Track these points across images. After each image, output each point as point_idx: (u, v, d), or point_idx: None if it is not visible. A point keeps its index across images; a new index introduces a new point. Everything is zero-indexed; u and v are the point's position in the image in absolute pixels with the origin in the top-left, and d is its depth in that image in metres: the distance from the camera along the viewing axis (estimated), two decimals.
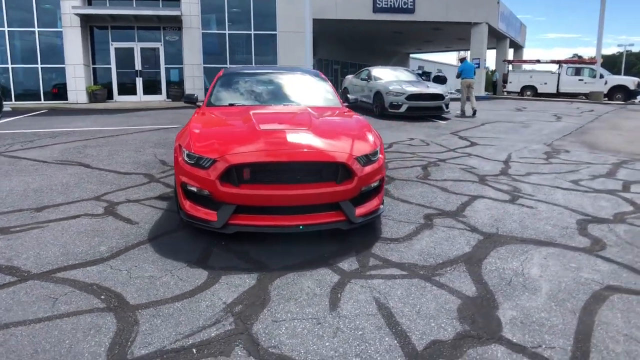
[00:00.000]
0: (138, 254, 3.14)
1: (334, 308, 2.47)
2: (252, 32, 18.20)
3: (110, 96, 17.17)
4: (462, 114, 12.96)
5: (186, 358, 2.03)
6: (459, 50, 39.87)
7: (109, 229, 3.62)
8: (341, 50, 30.06)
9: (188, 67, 17.28)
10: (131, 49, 17.31)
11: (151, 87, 17.73)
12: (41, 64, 16.09)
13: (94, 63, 16.97)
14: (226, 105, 4.63)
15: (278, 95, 4.92)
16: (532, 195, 4.66)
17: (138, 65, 17.45)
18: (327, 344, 2.15)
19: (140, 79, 17.53)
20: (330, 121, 4.20)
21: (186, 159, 3.37)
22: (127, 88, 17.46)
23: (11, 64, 15.88)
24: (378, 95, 12.35)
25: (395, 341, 2.17)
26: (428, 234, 3.58)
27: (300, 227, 3.23)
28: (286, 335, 2.21)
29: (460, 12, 21.26)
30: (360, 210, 3.42)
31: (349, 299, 2.56)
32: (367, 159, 3.46)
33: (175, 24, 17.07)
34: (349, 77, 15.86)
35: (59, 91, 16.50)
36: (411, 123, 10.88)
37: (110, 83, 17.26)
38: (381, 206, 3.67)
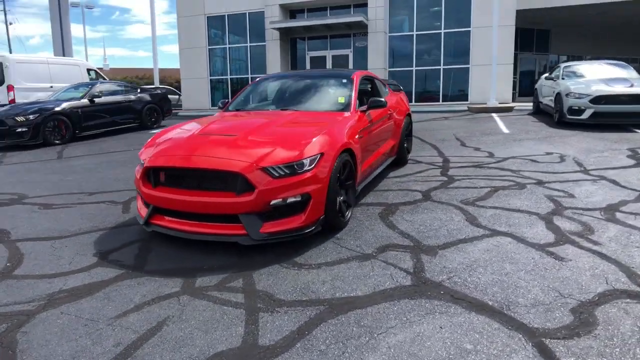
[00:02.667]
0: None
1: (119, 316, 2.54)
2: (442, 30, 17.55)
3: None
4: None
5: None
6: None
7: None
8: (589, 42, 25.31)
9: (372, 71, 17.98)
10: (324, 57, 19.17)
11: None
12: (251, 74, 19.52)
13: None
14: (234, 111, 4.94)
15: (287, 100, 4.96)
16: None
17: None
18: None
19: None
20: (285, 128, 3.99)
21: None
22: None
23: (230, 75, 19.84)
24: (558, 97, 10.23)
25: None
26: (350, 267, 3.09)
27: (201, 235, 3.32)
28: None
29: None
30: (270, 227, 3.24)
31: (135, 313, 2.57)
32: (286, 170, 3.23)
33: (363, 29, 18.03)
34: (544, 75, 13.57)
35: None
36: (592, 133, 8.62)
37: None
38: (310, 226, 3.35)
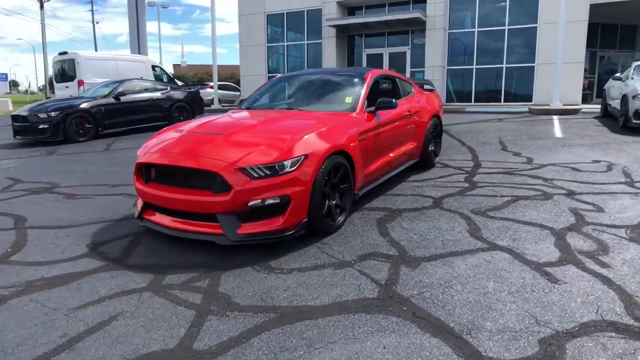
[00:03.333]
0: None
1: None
2: (506, 27, 16.59)
3: None
4: None
5: None
6: None
7: None
8: None
9: (428, 69, 17.41)
10: (380, 55, 18.85)
11: None
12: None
13: None
14: (245, 109, 4.95)
15: (296, 100, 4.93)
16: None
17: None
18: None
19: None
20: (277, 128, 3.91)
21: None
22: None
23: (287, 72, 20.11)
24: (624, 100, 9.26)
25: None
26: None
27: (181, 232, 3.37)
28: None
29: None
30: (248, 228, 3.22)
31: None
32: (266, 171, 3.19)
33: (421, 26, 17.49)
34: (614, 76, 12.35)
35: None
36: None
37: None
38: (290, 229, 3.28)
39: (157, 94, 11.95)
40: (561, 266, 3.00)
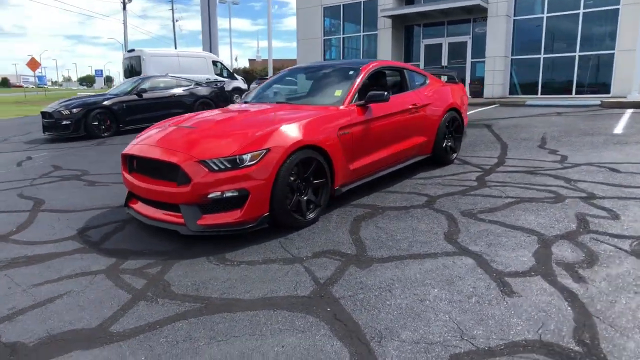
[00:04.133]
0: None
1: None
2: (581, 10, 15.14)
3: None
4: None
5: None
6: None
7: None
8: None
9: (489, 60, 16.44)
10: (439, 45, 18.12)
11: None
12: None
13: (407, 61, 18.90)
14: (244, 103, 5.02)
15: (289, 93, 4.92)
16: None
17: (444, 61, 18.10)
18: None
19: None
20: (249, 122, 3.92)
21: None
22: None
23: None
24: None
25: None
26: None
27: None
28: None
29: None
30: (208, 220, 3.31)
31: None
32: (227, 163, 3.25)
33: (483, 14, 16.53)
34: None
35: None
36: None
37: None
38: (250, 222, 3.32)
39: (180, 90, 11.95)
40: (527, 277, 2.74)
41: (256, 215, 3.34)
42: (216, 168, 3.24)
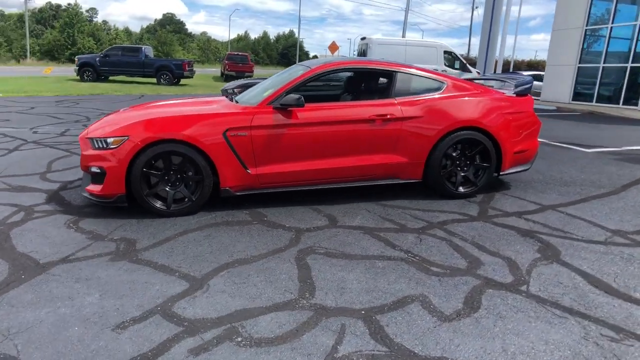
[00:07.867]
0: None
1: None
2: None
3: None
4: None
5: None
6: None
7: None
8: None
9: None
10: None
11: None
12: (632, 62, 14.84)
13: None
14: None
15: (257, 91, 4.76)
16: None
17: None
18: None
19: None
20: (152, 110, 4.33)
21: None
22: None
23: (603, 63, 15.78)
24: None
25: None
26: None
27: None
28: None
29: None
30: (89, 188, 4.02)
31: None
32: (101, 143, 3.88)
33: None
34: None
35: None
36: None
37: None
38: (109, 197, 3.87)
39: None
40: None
41: (113, 193, 3.83)
42: (96, 146, 3.89)
